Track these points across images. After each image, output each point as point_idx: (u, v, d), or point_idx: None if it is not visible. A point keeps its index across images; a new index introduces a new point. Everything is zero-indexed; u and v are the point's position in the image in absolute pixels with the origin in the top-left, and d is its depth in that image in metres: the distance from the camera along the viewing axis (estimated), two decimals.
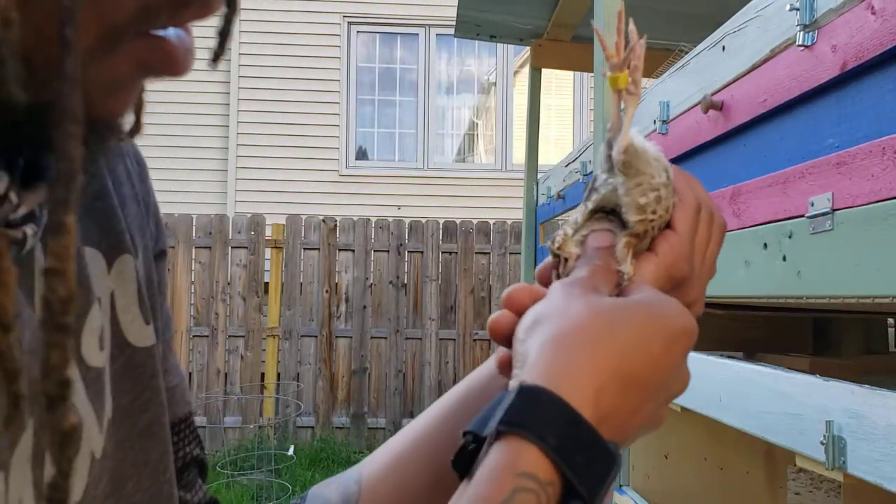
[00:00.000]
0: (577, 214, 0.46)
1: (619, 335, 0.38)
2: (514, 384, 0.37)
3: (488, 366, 0.51)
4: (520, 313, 0.41)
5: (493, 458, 0.35)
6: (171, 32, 0.31)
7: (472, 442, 0.37)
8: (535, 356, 0.38)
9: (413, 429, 0.52)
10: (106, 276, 0.41)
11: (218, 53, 0.34)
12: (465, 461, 0.37)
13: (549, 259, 0.45)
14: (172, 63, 0.31)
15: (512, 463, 0.34)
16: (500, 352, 0.43)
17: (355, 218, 5.20)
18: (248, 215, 5.19)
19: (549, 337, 0.38)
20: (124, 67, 0.30)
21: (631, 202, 0.42)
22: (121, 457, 0.40)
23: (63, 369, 0.24)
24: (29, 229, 0.33)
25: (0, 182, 0.30)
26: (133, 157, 0.49)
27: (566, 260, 0.44)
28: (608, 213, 0.45)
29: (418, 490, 0.49)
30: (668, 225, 0.45)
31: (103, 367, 0.39)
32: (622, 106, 0.44)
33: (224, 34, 0.34)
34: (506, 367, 0.42)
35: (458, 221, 5.25)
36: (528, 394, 0.36)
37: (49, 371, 0.24)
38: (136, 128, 0.37)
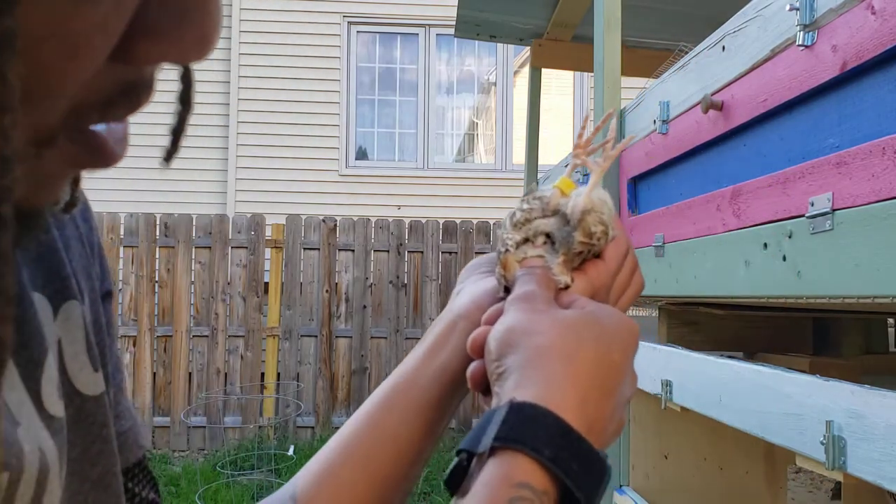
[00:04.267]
0: (515, 214, 0.52)
1: (589, 347, 0.41)
2: (497, 402, 0.39)
3: (412, 360, 0.52)
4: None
5: (489, 472, 0.37)
6: (100, 126, 0.30)
7: (466, 460, 0.38)
8: (518, 375, 0.40)
9: (342, 435, 0.52)
10: (52, 322, 0.39)
11: (171, 152, 0.34)
12: (458, 478, 0.38)
13: (496, 307, 0.48)
14: (103, 157, 0.30)
15: (508, 475, 0.36)
16: (472, 367, 0.45)
17: (355, 218, 5.20)
18: (248, 215, 5.19)
19: (528, 355, 0.40)
20: (54, 165, 0.29)
21: (584, 227, 0.48)
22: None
23: None
24: None
25: None
26: None
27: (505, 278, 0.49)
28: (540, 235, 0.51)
29: (356, 496, 0.49)
30: (598, 256, 0.50)
31: (63, 416, 0.37)
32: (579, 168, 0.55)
33: (177, 133, 0.34)
34: (479, 383, 0.44)
35: (458, 221, 5.25)
36: (520, 410, 0.38)
37: None
38: (72, 202, 0.35)
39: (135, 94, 0.30)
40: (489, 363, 0.42)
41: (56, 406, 0.37)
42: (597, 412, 0.39)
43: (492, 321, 0.45)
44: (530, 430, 0.37)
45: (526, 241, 0.50)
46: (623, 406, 0.43)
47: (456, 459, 0.39)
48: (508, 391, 0.39)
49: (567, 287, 0.47)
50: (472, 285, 0.53)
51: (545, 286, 0.46)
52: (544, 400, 0.38)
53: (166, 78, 0.35)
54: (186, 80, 0.33)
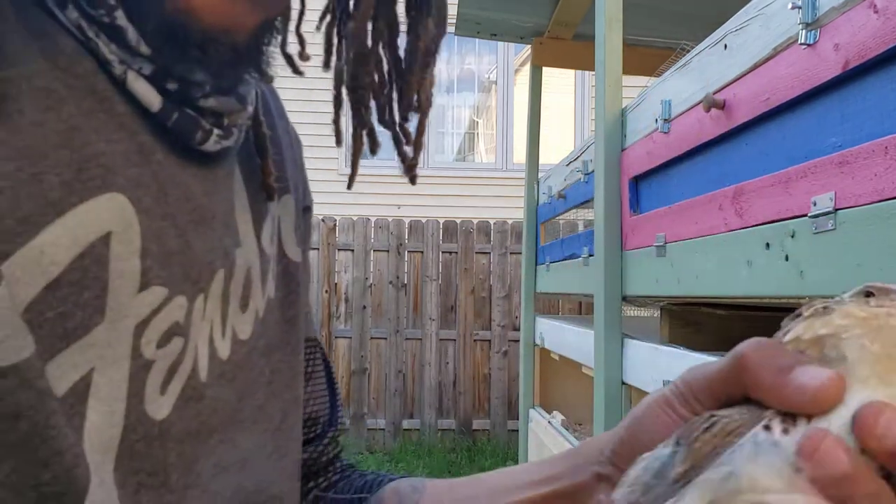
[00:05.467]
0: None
1: None
2: None
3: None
4: None
5: None
6: None
7: None
8: None
9: (478, 488, 0.50)
10: (276, 202, 0.51)
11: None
12: None
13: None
14: None
15: None
16: None
17: (355, 217, 5.20)
18: None
19: None
20: None
21: None
22: (271, 332, 0.48)
23: None
24: (216, 131, 0.40)
25: (197, 73, 0.38)
26: (284, 119, 0.59)
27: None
28: None
29: None
30: None
31: (271, 255, 0.49)
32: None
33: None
34: None
35: (458, 221, 5.24)
36: None
37: None
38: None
39: None
40: None
41: (269, 249, 0.48)
42: None
43: None
44: None
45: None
46: None
47: None
48: None
49: None
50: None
51: None
52: None
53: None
54: None
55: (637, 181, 1.69)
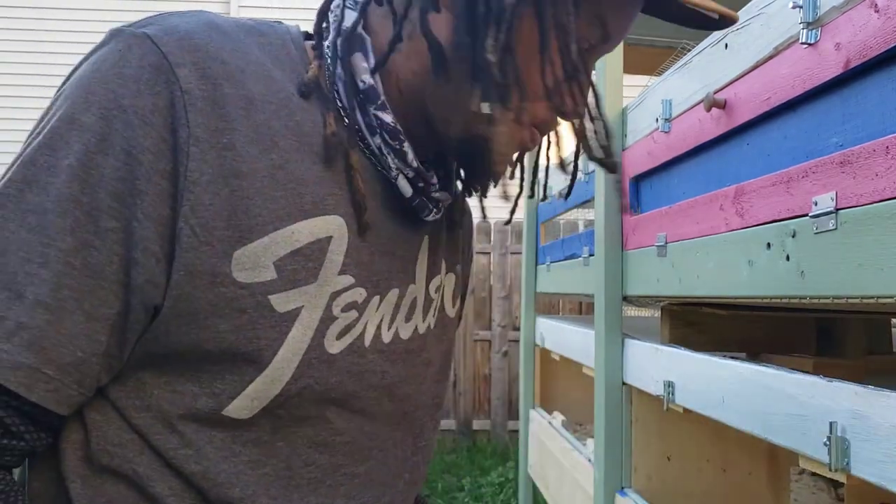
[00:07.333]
0: None
1: None
2: None
3: None
4: None
5: None
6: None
7: None
8: None
9: None
10: (444, 275, 0.75)
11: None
12: None
13: None
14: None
15: None
16: None
17: None
18: None
19: None
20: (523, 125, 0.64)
21: None
22: (429, 348, 0.71)
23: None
24: (435, 210, 0.67)
25: (433, 176, 0.66)
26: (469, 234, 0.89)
27: None
28: None
29: None
30: None
31: (437, 304, 0.74)
32: None
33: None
34: None
35: None
36: None
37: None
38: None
39: (564, 98, 0.65)
40: None
41: (434, 297, 0.73)
42: None
43: None
44: None
45: None
46: None
47: None
48: None
49: None
50: None
51: None
52: None
53: None
54: None
55: (638, 181, 1.69)
